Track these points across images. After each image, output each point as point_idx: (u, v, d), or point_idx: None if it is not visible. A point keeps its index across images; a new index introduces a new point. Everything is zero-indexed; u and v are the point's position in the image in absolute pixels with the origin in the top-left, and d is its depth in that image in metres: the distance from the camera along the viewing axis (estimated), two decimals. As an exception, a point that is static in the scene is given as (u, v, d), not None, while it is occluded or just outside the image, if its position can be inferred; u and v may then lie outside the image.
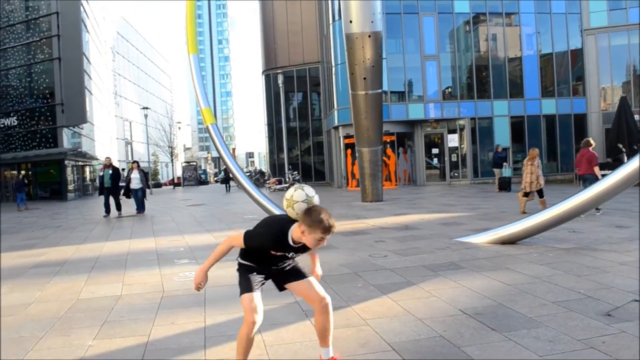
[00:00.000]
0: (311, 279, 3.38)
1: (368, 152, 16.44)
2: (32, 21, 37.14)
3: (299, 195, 3.12)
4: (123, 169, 49.28)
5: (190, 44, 14.62)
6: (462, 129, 27.00)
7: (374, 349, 3.80)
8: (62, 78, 35.93)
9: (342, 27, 16.82)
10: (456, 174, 27.04)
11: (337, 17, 26.89)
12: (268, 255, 3.21)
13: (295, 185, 3.26)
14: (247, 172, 46.02)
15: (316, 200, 3.16)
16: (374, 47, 15.49)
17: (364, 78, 15.68)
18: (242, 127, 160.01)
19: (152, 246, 9.66)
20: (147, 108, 43.79)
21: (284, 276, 3.38)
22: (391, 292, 5.38)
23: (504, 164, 20.50)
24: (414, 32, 26.63)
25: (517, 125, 27.09)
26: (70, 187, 37.43)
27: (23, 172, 37.76)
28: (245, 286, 3.22)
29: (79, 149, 40.07)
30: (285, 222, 3.13)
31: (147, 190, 18.88)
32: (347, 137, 26.46)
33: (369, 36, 15.33)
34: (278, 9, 37.24)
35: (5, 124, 38.26)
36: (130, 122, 71.67)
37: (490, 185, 24.12)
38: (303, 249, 3.17)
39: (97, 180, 17.69)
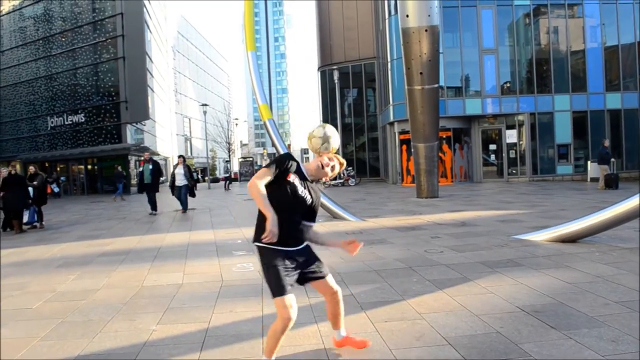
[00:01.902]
0: (328, 278, 3.54)
1: (424, 148, 16.29)
2: (99, 22, 38.75)
3: (319, 131, 3.46)
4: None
5: (248, 41, 14.90)
6: (521, 125, 26.27)
7: (430, 342, 3.82)
8: (126, 76, 37.35)
9: (398, 22, 16.72)
10: (514, 171, 26.35)
11: (393, 12, 26.73)
12: (287, 199, 3.21)
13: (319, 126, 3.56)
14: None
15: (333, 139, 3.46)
16: (431, 41, 15.31)
17: (421, 73, 15.53)
18: (298, 124, 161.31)
19: (211, 238, 9.95)
20: (205, 105, 44.82)
21: (308, 275, 3.45)
22: (447, 287, 5.36)
23: (612, 160, 18.88)
24: (472, 26, 26.10)
25: (579, 121, 26.12)
26: (133, 181, 38.90)
27: (96, 165, 39.66)
28: (277, 288, 3.19)
29: (142, 145, 41.57)
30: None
31: (199, 185, 18.56)
32: (402, 132, 26.26)
33: (426, 30, 15.17)
34: (334, 5, 37.36)
35: (74, 120, 40.18)
36: (189, 119, 73.70)
37: (550, 183, 23.44)
38: (313, 189, 3.37)
39: (137, 177, 16.65)
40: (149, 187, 15.90)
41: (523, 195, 16.66)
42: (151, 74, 43.37)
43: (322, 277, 3.48)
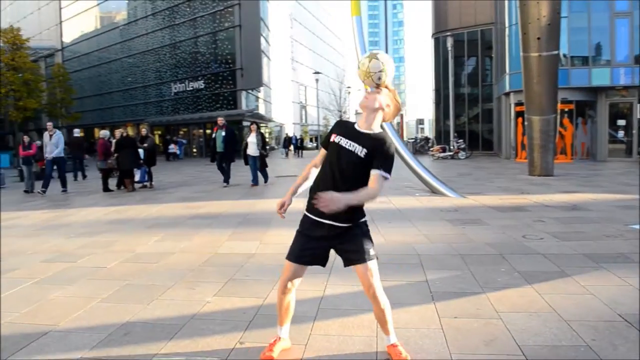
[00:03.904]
0: (370, 264, 3.02)
1: (539, 121, 14.95)
2: (218, -9, 40.06)
3: (374, 66, 2.89)
4: (294, 134, 51.61)
5: (353, 6, 14.38)
6: (658, 99, 23.36)
7: (500, 349, 3.25)
8: (242, 44, 38.43)
9: (517, -17, 15.32)
10: (646, 150, 23.62)
11: (513, -28, 24.66)
12: (331, 159, 3.01)
13: (369, 55, 2.95)
14: (411, 139, 45.35)
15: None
16: (551, 3, 13.85)
17: (538, 38, 14.14)
18: (414, 94, 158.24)
19: (300, 207, 9.75)
20: (318, 73, 44.99)
21: (344, 251, 3.09)
22: (538, 282, 4.68)
23: None
24: (604, -13, 23.34)
25: None
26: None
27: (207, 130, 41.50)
28: (294, 252, 3.13)
29: (256, 111, 42.79)
30: None
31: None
32: (518, 104, 24.43)
33: (547, -10, 13.75)
34: (452, -33, 35.33)
35: (194, 87, 42.30)
36: (305, 87, 74.61)
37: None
38: (365, 140, 2.91)
39: (210, 143, 15.20)
40: (222, 157, 14.38)
41: (654, 178, 14.80)
42: (267, 42, 44.19)
43: (359, 262, 3.02)
